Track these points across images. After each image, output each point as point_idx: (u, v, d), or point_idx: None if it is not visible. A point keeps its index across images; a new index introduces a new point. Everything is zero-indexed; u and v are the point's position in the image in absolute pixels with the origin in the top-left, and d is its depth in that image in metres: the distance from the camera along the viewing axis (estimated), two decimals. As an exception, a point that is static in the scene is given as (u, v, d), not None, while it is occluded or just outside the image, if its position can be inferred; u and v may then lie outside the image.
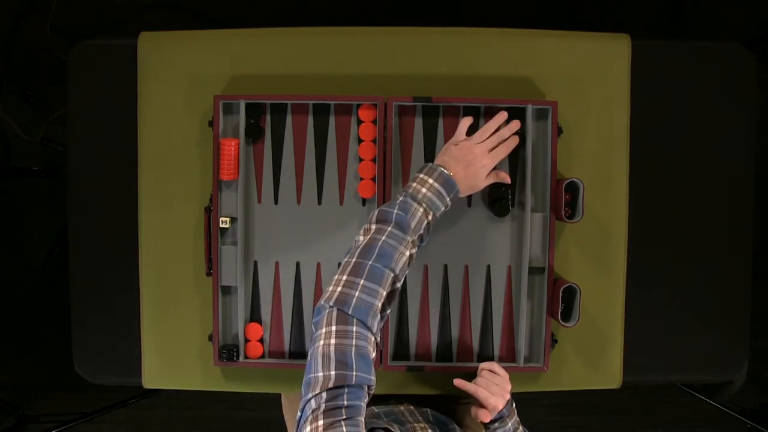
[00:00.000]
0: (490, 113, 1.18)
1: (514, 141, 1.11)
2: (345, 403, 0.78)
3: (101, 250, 1.24)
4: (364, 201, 1.19)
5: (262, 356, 1.21)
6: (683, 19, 2.12)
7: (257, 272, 1.21)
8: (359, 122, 1.18)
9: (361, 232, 0.96)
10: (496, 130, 1.10)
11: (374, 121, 1.17)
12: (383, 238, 0.92)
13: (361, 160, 1.18)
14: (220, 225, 1.17)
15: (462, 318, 1.21)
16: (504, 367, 1.11)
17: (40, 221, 2.13)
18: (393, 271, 0.90)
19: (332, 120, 1.19)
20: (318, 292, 1.21)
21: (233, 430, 2.22)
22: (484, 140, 1.07)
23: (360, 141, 1.18)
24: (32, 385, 2.18)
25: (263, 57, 1.21)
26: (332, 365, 0.79)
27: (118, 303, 1.24)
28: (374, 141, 1.17)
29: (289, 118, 1.19)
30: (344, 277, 0.88)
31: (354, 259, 0.90)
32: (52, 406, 2.14)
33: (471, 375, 1.12)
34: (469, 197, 1.19)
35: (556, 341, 1.21)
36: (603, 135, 1.22)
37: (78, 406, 2.00)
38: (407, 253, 0.93)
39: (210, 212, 1.18)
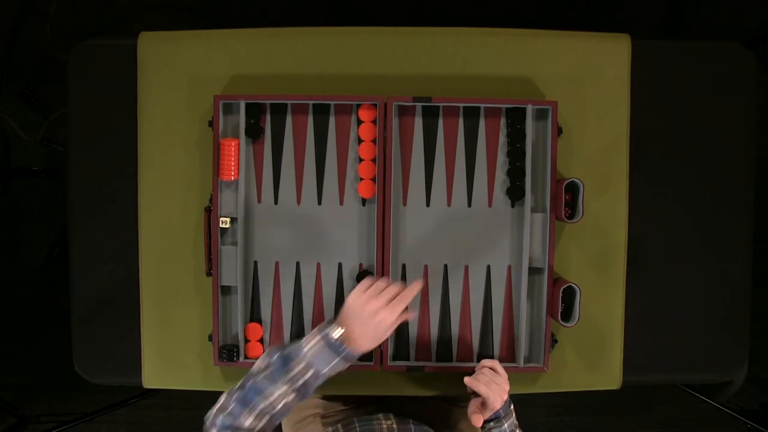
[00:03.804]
0: (491, 113, 1.18)
1: (416, 286, 1.02)
2: None
3: (101, 250, 1.24)
4: (364, 201, 1.19)
5: (262, 356, 1.21)
6: (683, 19, 2.12)
7: (257, 272, 1.21)
8: (359, 122, 1.18)
9: (261, 357, 0.99)
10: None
11: (374, 121, 1.17)
12: (260, 377, 0.95)
13: (361, 160, 1.18)
14: (220, 225, 1.17)
15: (462, 318, 1.21)
16: (504, 367, 1.11)
17: (40, 221, 2.13)
18: (255, 407, 0.94)
19: (332, 120, 1.19)
20: (318, 292, 1.21)
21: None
22: (378, 295, 0.99)
23: (360, 141, 1.18)
24: (32, 385, 2.18)
25: (263, 57, 1.21)
26: None
27: (118, 303, 1.24)
28: (374, 141, 1.17)
29: (289, 118, 1.19)
30: (223, 398, 0.96)
31: (237, 385, 0.97)
32: (52, 406, 2.13)
33: (470, 376, 1.12)
34: (470, 196, 1.19)
35: (556, 341, 1.21)
36: (603, 135, 1.22)
37: (78, 406, 2.00)
38: (276, 394, 0.95)
39: (210, 212, 1.18)
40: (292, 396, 0.96)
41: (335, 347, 0.97)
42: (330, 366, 0.97)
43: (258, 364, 0.98)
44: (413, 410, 1.26)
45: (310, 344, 0.97)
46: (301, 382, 0.96)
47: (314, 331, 0.99)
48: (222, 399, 0.96)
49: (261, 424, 0.94)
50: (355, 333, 0.98)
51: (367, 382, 1.22)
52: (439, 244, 1.20)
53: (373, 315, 0.98)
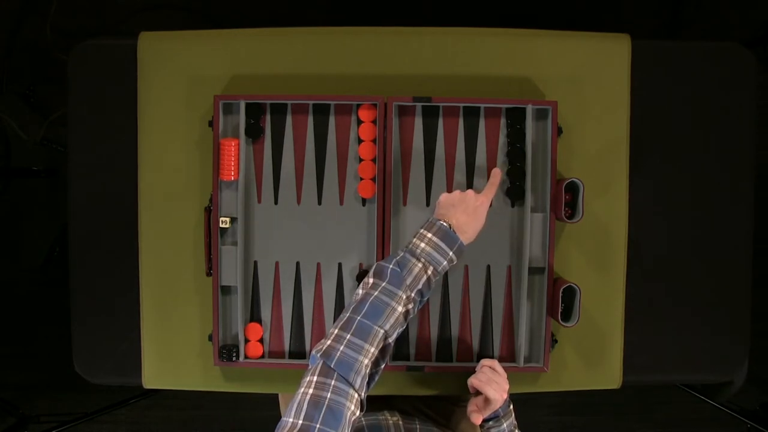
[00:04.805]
0: (491, 113, 1.18)
1: (497, 174, 1.11)
2: None
3: (101, 251, 1.24)
4: (364, 201, 1.19)
5: (262, 356, 1.21)
6: (683, 19, 2.12)
7: (257, 272, 1.21)
8: (359, 122, 1.18)
9: (361, 285, 0.98)
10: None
11: (374, 121, 1.17)
12: (375, 293, 0.94)
13: (361, 160, 1.18)
14: (220, 225, 1.17)
15: (462, 318, 1.21)
16: (504, 367, 1.11)
17: (40, 221, 2.13)
18: (382, 327, 0.92)
19: (332, 120, 1.19)
20: (318, 292, 1.21)
21: (233, 430, 2.22)
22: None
23: (360, 141, 1.18)
24: (32, 385, 2.18)
25: (263, 57, 1.21)
26: (302, 414, 0.81)
27: (118, 303, 1.24)
28: (374, 141, 1.17)
29: (289, 118, 1.19)
30: (335, 331, 0.91)
31: (347, 314, 0.93)
32: (52, 406, 2.14)
33: (470, 376, 1.12)
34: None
35: (556, 341, 1.21)
36: (603, 135, 1.22)
37: (78, 406, 2.00)
38: (399, 309, 0.94)
39: (210, 212, 1.18)
40: (412, 305, 0.96)
41: (450, 237, 0.98)
42: (443, 264, 0.98)
43: (360, 292, 0.95)
44: (417, 409, 1.27)
45: (423, 242, 0.98)
46: (420, 284, 0.96)
47: (419, 232, 1.00)
48: (334, 332, 0.90)
49: (381, 346, 0.92)
50: (461, 221, 1.01)
51: (367, 382, 1.22)
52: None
53: (473, 199, 1.04)
